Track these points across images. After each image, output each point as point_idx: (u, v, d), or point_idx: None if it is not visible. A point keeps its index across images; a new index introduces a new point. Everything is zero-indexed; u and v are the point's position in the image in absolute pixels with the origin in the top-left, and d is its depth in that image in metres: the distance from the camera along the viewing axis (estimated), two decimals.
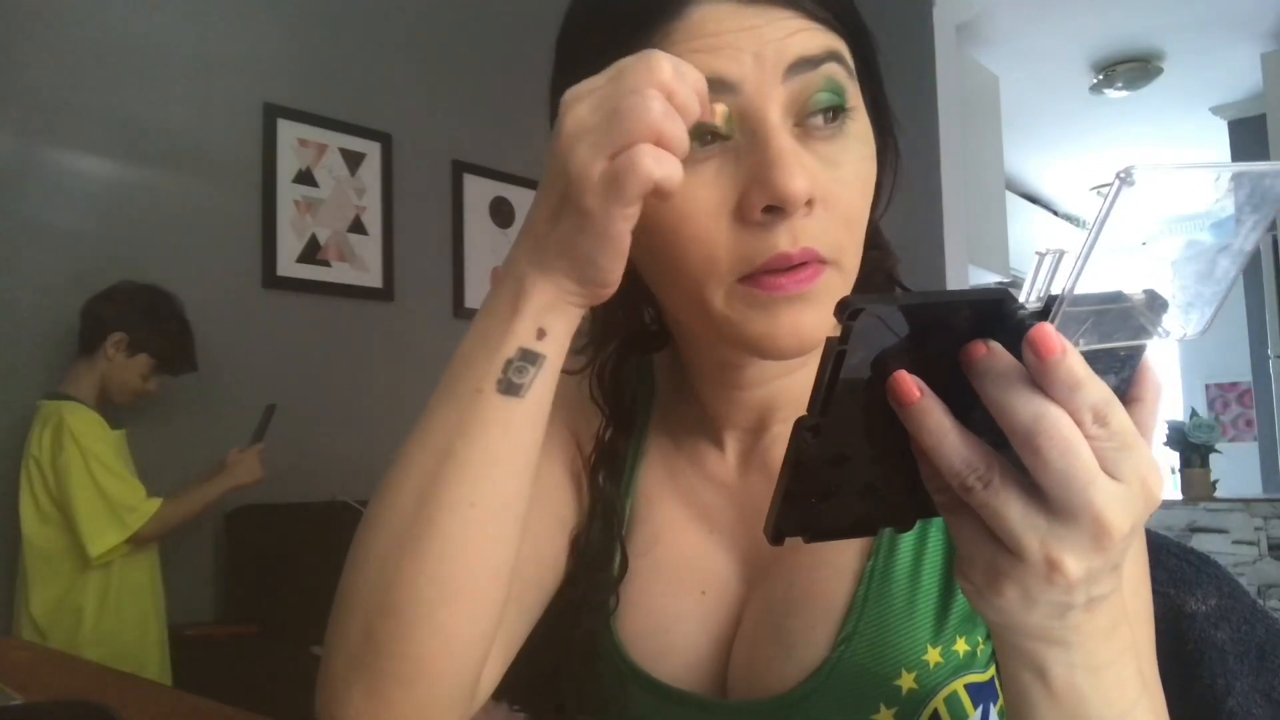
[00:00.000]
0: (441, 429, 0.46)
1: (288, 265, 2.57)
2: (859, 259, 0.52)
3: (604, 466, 0.63)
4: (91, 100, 2.26)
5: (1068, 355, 0.33)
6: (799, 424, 0.35)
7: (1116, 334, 0.35)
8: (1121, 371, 0.35)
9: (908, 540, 0.56)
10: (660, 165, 0.40)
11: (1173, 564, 0.66)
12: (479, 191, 3.03)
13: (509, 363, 0.45)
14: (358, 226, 2.73)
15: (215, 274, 2.43)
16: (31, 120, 2.18)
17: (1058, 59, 4.07)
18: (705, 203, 0.48)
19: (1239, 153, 4.54)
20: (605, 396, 0.64)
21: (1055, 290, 0.33)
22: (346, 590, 0.47)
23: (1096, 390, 0.33)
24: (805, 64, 0.48)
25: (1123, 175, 0.31)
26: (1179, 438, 3.53)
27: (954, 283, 3.21)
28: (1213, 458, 3.60)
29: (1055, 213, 6.08)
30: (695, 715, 0.57)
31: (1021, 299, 0.34)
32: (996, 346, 0.34)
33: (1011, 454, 0.34)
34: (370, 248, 2.75)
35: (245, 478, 2.14)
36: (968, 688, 0.53)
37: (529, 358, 0.45)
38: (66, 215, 2.21)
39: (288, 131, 2.59)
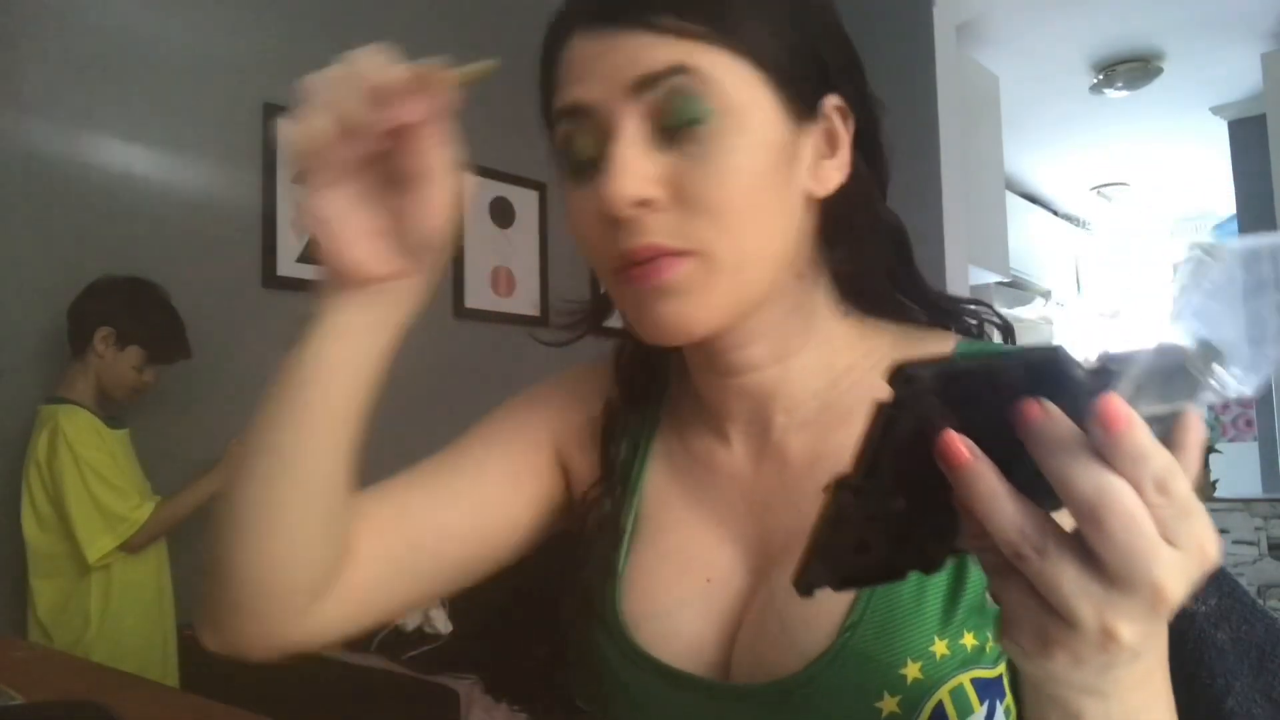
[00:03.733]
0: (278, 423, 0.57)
1: (288, 265, 2.57)
2: (750, 250, 0.55)
3: (614, 444, 0.68)
4: (91, 100, 2.26)
5: (1134, 428, 0.32)
6: (840, 483, 0.35)
7: (1170, 387, 0.33)
8: (1167, 422, 0.34)
9: None
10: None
11: None
12: (479, 191, 3.03)
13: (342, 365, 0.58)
14: None
15: (215, 274, 2.43)
16: (31, 120, 2.18)
17: (1058, 59, 4.06)
18: (586, 212, 0.56)
19: (1239, 153, 4.54)
20: (619, 377, 0.69)
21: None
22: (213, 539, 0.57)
23: (1160, 460, 0.32)
24: (646, 82, 0.52)
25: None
26: None
27: (953, 282, 3.21)
28: (1213, 458, 3.59)
29: (1055, 213, 6.07)
30: (696, 698, 0.58)
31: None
32: (1053, 409, 0.33)
33: (1057, 505, 0.33)
34: None
35: None
36: (974, 682, 0.53)
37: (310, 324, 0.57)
38: (66, 215, 2.21)
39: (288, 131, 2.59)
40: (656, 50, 0.52)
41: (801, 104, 0.56)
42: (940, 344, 0.63)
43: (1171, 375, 0.33)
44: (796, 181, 0.56)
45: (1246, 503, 3.53)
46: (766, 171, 0.54)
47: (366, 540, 0.62)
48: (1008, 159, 4.28)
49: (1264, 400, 4.76)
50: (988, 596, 0.54)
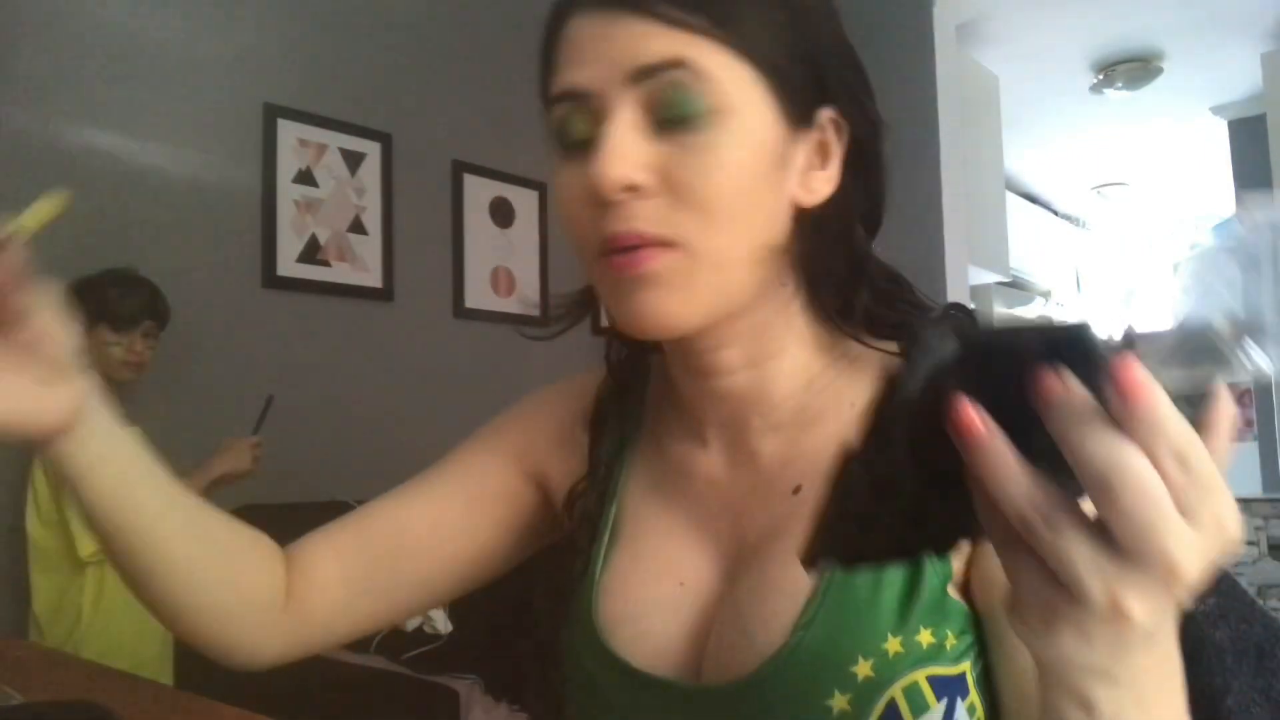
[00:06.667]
0: None
1: (288, 265, 2.57)
2: (732, 247, 0.55)
3: (600, 439, 0.69)
4: (91, 100, 2.26)
5: (1153, 395, 0.30)
6: (847, 455, 0.34)
7: (1197, 364, 0.32)
8: (1195, 403, 0.32)
9: None
10: None
11: None
12: (479, 191, 3.03)
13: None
14: (358, 226, 2.73)
15: (215, 274, 2.43)
16: (30, 120, 2.18)
17: (1058, 59, 4.06)
18: (574, 189, 0.55)
19: (1239, 153, 4.53)
20: (608, 371, 0.70)
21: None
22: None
23: (1180, 432, 0.31)
24: (647, 71, 0.52)
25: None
26: None
27: (953, 282, 3.21)
28: None
29: (1055, 213, 6.07)
30: (658, 699, 0.58)
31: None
32: (1071, 381, 0.31)
33: (1074, 485, 0.32)
34: (370, 248, 2.75)
35: (232, 466, 2.09)
36: (930, 679, 0.53)
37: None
38: (66, 216, 2.21)
39: (288, 131, 2.59)
40: (656, 41, 0.52)
41: (796, 111, 0.56)
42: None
43: (1199, 351, 0.31)
44: (785, 187, 0.56)
45: (1246, 503, 3.53)
46: (756, 172, 0.54)
47: (327, 563, 0.69)
48: (1008, 159, 4.28)
49: (1264, 400, 4.76)
50: (947, 594, 0.54)
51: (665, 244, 0.53)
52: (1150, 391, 0.30)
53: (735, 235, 0.54)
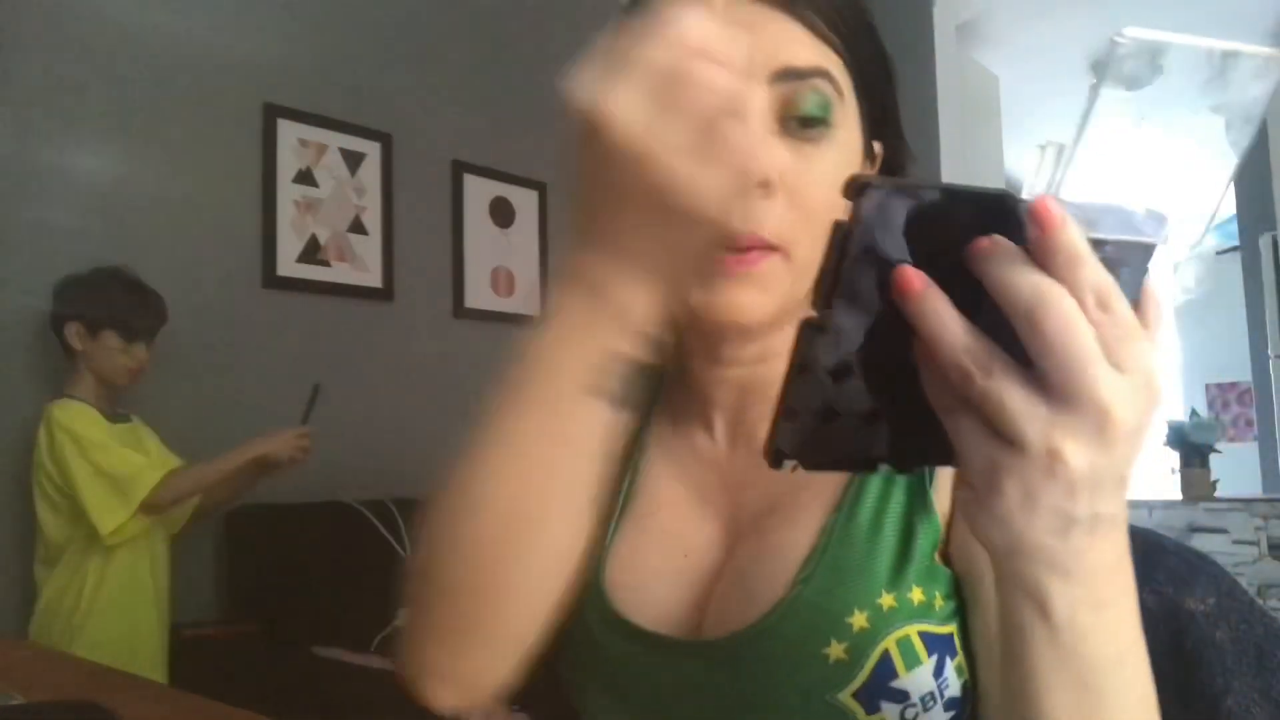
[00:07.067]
0: (537, 435, 0.49)
1: (288, 265, 2.57)
2: (815, 256, 0.54)
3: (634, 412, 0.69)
4: (91, 100, 2.26)
5: (1069, 227, 0.32)
6: (803, 324, 0.35)
7: (1117, 234, 0.34)
8: (1122, 286, 0.34)
9: (870, 496, 0.58)
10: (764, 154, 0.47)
11: (1170, 563, 0.66)
12: (479, 191, 3.03)
13: (603, 369, 0.47)
14: (358, 226, 2.73)
15: (215, 274, 2.44)
16: (30, 120, 2.18)
17: (1058, 59, 4.07)
18: None
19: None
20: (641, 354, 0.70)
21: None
22: (435, 571, 0.52)
23: (1098, 272, 0.32)
24: (791, 74, 0.53)
25: None
26: (1179, 438, 3.52)
27: None
28: (1213, 458, 3.59)
29: None
30: (663, 656, 0.60)
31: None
32: (1000, 237, 0.34)
33: (1015, 353, 0.33)
34: (370, 248, 2.75)
35: (272, 449, 2.08)
36: (922, 635, 0.55)
37: (623, 364, 0.48)
38: (66, 216, 2.21)
39: (288, 131, 2.59)
40: (803, 47, 0.54)
41: (868, 139, 0.60)
42: None
43: (1115, 228, 0.34)
44: None
45: (1246, 503, 3.52)
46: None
47: None
48: (1008, 159, 4.28)
49: (1264, 400, 4.77)
50: (934, 558, 0.57)
51: (773, 249, 0.54)
52: (1068, 225, 0.32)
53: (819, 247, 0.55)
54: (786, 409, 0.36)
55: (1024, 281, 0.32)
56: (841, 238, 0.34)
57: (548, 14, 3.10)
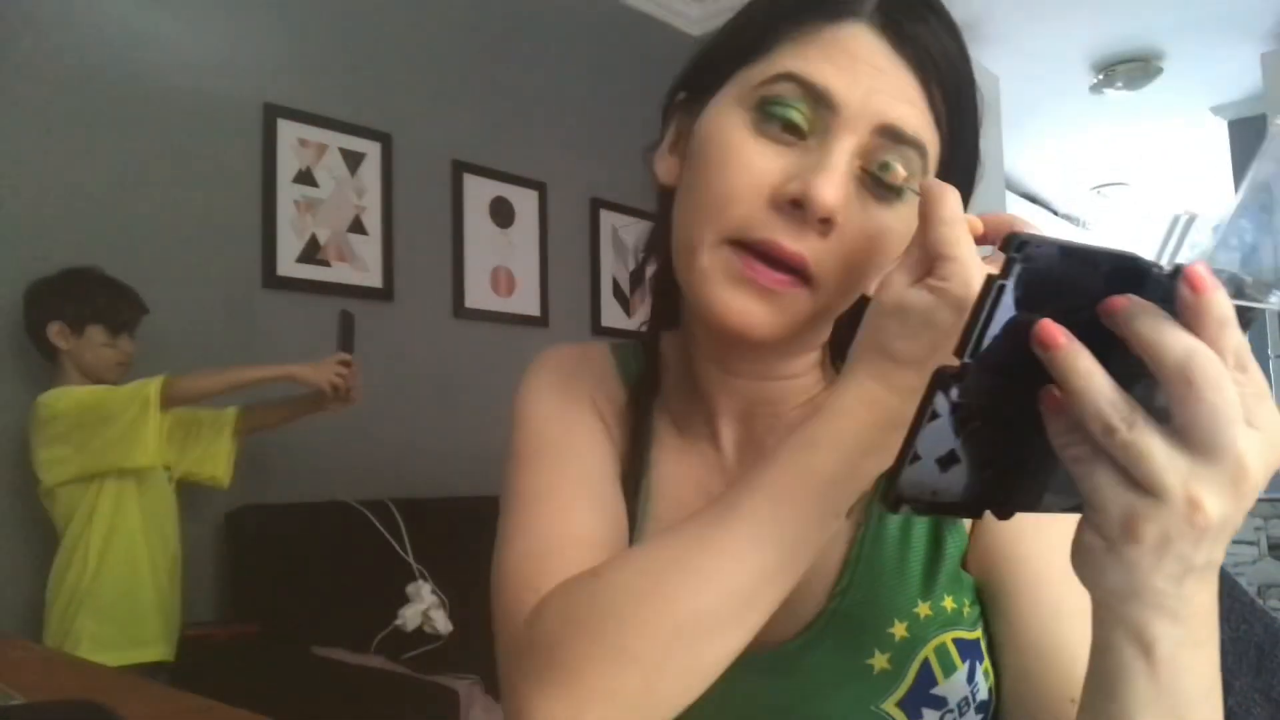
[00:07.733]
0: (792, 541, 0.48)
1: (288, 265, 2.57)
2: (841, 305, 0.56)
3: (632, 436, 0.68)
4: (90, 100, 2.26)
5: (1223, 293, 0.34)
6: (939, 373, 0.36)
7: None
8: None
9: None
10: None
11: None
12: (479, 191, 3.02)
13: (861, 495, 0.48)
14: (358, 226, 2.73)
15: (215, 274, 2.43)
16: (30, 120, 2.18)
17: (1058, 59, 4.06)
18: (757, 171, 0.53)
19: (1239, 152, 4.53)
20: (647, 356, 0.70)
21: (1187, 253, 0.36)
22: (615, 634, 0.47)
23: (1237, 335, 0.34)
24: (892, 134, 0.53)
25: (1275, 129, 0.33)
26: None
27: None
28: None
29: (1055, 213, 6.07)
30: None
31: (1155, 259, 0.36)
32: (1136, 296, 0.35)
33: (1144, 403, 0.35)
34: (370, 248, 2.75)
35: (308, 375, 2.06)
36: (956, 642, 0.56)
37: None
38: (66, 217, 2.21)
39: (288, 131, 2.59)
40: (913, 112, 0.54)
41: None
42: None
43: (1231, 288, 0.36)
44: None
45: None
46: (888, 262, 0.56)
47: None
48: (1008, 159, 4.28)
49: None
50: (960, 570, 0.58)
51: (808, 279, 0.54)
52: (1220, 290, 0.34)
53: (850, 300, 0.57)
54: (912, 454, 0.36)
55: (1176, 342, 0.34)
56: (996, 293, 0.35)
57: (549, 14, 3.10)
